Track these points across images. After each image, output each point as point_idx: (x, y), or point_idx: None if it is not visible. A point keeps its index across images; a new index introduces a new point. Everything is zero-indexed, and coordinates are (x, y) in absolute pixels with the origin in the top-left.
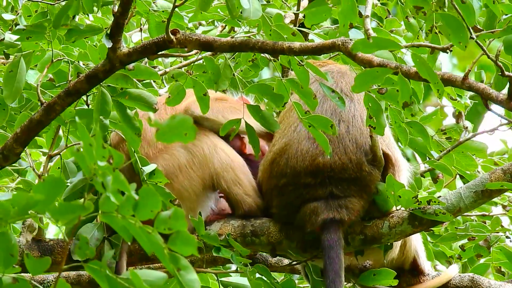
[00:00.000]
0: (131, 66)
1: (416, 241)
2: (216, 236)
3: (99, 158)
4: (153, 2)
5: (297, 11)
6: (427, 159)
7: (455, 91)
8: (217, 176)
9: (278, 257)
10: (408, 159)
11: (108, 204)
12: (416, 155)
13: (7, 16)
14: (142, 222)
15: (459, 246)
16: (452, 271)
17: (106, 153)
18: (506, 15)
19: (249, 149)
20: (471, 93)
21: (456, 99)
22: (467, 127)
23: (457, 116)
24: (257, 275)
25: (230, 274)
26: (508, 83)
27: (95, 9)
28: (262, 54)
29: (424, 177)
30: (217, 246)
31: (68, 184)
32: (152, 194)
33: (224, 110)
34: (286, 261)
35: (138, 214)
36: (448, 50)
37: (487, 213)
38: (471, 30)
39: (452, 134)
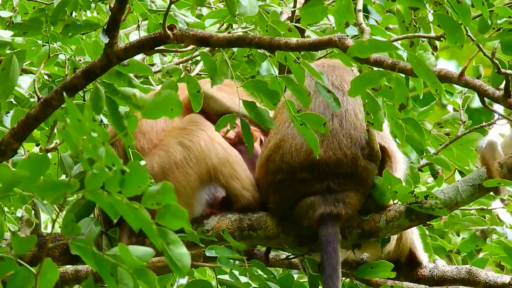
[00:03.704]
0: (125, 62)
1: (413, 234)
2: (197, 235)
3: (90, 130)
4: (152, 2)
5: (293, 8)
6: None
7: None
8: (215, 170)
9: (275, 252)
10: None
11: (94, 181)
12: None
13: (4, 13)
14: (129, 199)
15: (455, 232)
16: None
17: (96, 126)
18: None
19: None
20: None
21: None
22: (464, 121)
23: (457, 110)
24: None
25: (227, 271)
26: (504, 80)
27: (92, 5)
28: (259, 50)
29: (422, 171)
30: (212, 239)
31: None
32: (139, 169)
33: (230, 93)
34: (283, 256)
35: (124, 190)
36: (442, 38)
37: (485, 207)
38: (468, 29)
39: (448, 127)
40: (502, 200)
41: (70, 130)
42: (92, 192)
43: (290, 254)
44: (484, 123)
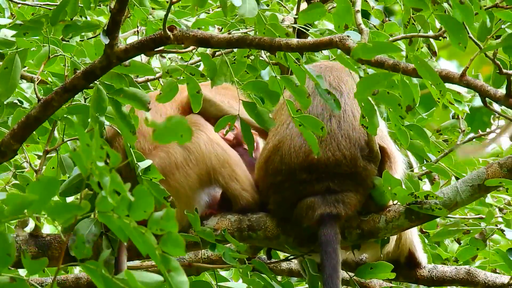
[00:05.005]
0: (127, 62)
1: (412, 235)
2: (211, 233)
3: (97, 158)
4: (150, 15)
5: (296, 14)
6: (424, 161)
7: (453, 97)
8: (215, 172)
9: (275, 259)
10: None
11: (105, 204)
12: (412, 157)
13: (2, 21)
14: (137, 222)
15: (455, 239)
16: None
17: (104, 153)
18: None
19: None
20: (470, 98)
21: (454, 104)
22: (463, 130)
23: (457, 118)
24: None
25: (227, 278)
26: (506, 81)
27: (92, 6)
28: (260, 57)
29: (421, 180)
30: (213, 242)
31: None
32: (145, 194)
33: (229, 97)
34: (284, 264)
35: (132, 214)
36: (441, 37)
37: (484, 216)
38: (469, 30)
39: (447, 134)
40: (501, 210)
41: (82, 153)
42: (103, 214)
43: (290, 254)
44: (480, 132)
